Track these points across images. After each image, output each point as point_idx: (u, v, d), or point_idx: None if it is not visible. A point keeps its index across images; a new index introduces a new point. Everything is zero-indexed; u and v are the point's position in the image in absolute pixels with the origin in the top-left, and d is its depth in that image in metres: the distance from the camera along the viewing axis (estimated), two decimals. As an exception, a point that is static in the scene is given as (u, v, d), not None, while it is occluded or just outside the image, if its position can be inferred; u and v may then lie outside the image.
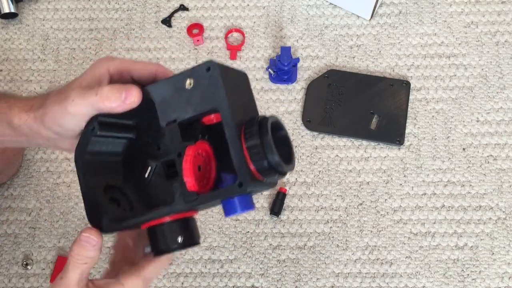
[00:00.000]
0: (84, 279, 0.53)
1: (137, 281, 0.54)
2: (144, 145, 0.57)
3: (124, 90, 0.52)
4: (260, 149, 0.49)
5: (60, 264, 0.98)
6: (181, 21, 1.15)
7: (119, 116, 0.54)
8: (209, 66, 0.50)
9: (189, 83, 0.51)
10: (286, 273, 0.97)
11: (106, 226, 0.54)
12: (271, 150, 0.49)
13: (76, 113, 0.53)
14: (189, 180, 0.50)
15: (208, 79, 0.50)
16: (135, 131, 0.58)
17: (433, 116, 1.05)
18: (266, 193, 1.01)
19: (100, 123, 0.54)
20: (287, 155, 0.53)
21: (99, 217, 0.54)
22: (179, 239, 0.53)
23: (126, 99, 0.52)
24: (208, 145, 0.52)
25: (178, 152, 0.51)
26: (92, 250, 0.53)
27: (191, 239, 0.54)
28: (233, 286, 0.97)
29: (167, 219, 0.53)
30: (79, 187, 0.56)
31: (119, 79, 0.57)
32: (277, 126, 0.53)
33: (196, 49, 1.12)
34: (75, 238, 0.53)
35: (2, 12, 1.12)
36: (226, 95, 0.50)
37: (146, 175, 0.58)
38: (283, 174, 0.52)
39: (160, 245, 0.54)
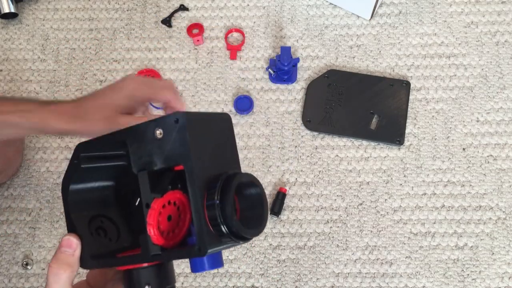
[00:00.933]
0: None
1: None
2: (135, 174, 0.55)
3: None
4: (218, 213, 0.46)
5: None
6: (181, 21, 1.15)
7: (106, 148, 0.54)
8: (177, 118, 0.48)
9: (159, 133, 0.49)
10: (286, 273, 0.97)
11: (84, 261, 0.53)
12: (229, 216, 0.46)
13: (100, 132, 0.59)
14: (152, 235, 0.48)
15: (176, 131, 0.48)
16: (127, 158, 0.55)
17: (433, 116, 1.05)
18: (266, 193, 1.01)
19: (84, 157, 0.54)
20: (258, 217, 0.50)
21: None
22: (147, 287, 0.51)
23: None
24: (181, 193, 0.50)
25: (146, 203, 0.50)
26: (70, 256, 0.52)
27: (163, 285, 0.53)
28: (233, 286, 0.97)
29: (140, 265, 0.52)
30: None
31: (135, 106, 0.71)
32: (250, 184, 0.50)
33: (196, 49, 1.12)
34: (56, 251, 0.53)
35: (2, 12, 1.12)
36: (191, 152, 0.47)
37: (136, 204, 0.56)
38: (245, 239, 0.48)
39: None
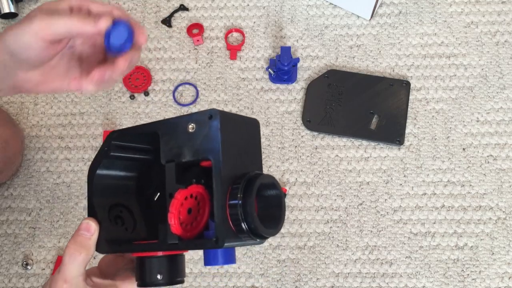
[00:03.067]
0: (82, 274, 0.53)
1: (131, 287, 0.55)
2: (159, 169, 0.58)
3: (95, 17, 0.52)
4: (240, 211, 0.48)
5: (60, 264, 0.98)
6: (181, 21, 1.15)
7: (136, 140, 0.56)
8: (211, 114, 0.50)
9: (191, 127, 0.51)
10: (286, 273, 0.97)
11: (100, 246, 0.55)
12: (250, 215, 0.48)
13: (41, 30, 0.53)
14: (172, 224, 0.50)
15: (209, 127, 0.50)
16: (153, 154, 0.58)
17: (433, 116, 1.05)
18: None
19: (115, 145, 0.56)
20: (275, 217, 0.52)
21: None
22: (159, 277, 0.53)
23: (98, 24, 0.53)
24: (203, 188, 0.52)
25: (170, 193, 0.52)
26: (88, 240, 0.53)
27: (173, 277, 0.54)
28: (233, 286, 0.97)
29: (154, 253, 0.53)
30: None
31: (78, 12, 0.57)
32: (270, 186, 0.52)
33: (196, 49, 1.12)
34: (74, 233, 0.54)
35: (2, 12, 1.12)
36: (221, 148, 0.49)
37: (155, 198, 0.58)
38: (263, 238, 0.50)
39: (143, 278, 0.54)
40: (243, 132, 0.53)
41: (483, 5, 1.13)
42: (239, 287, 0.97)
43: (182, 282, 0.55)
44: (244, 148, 0.52)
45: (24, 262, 0.99)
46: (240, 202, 0.48)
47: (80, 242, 0.53)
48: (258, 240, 0.50)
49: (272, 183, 0.52)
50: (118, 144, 0.56)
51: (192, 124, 0.51)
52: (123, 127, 0.57)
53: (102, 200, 0.56)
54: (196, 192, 0.52)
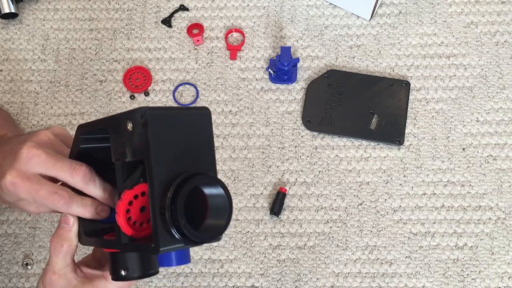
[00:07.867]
0: (70, 264, 0.56)
1: None
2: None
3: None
4: (169, 216, 0.46)
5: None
6: (181, 21, 1.15)
7: (102, 131, 0.55)
8: (142, 114, 0.47)
9: (130, 126, 0.49)
10: (286, 273, 0.97)
11: (81, 238, 0.57)
12: (177, 220, 0.45)
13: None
14: (120, 225, 0.50)
15: (141, 126, 0.47)
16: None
17: (433, 116, 1.06)
18: (266, 193, 1.01)
19: (83, 138, 0.56)
20: (219, 218, 0.48)
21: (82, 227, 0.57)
22: (123, 272, 0.53)
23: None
24: None
25: (119, 192, 0.50)
26: (68, 231, 0.56)
27: (144, 270, 0.53)
28: (233, 286, 0.97)
29: (117, 250, 0.53)
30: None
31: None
32: (209, 185, 0.48)
33: (196, 49, 1.12)
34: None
35: (2, 12, 1.12)
36: (151, 150, 0.46)
37: None
38: (197, 243, 0.48)
39: (111, 272, 0.55)
40: (187, 128, 0.49)
41: (483, 5, 1.13)
42: (239, 287, 0.97)
43: (153, 274, 0.54)
44: (190, 146, 0.49)
45: (24, 262, 0.99)
46: (168, 207, 0.45)
47: (61, 234, 0.55)
48: (192, 244, 0.48)
49: (212, 183, 0.48)
50: (86, 137, 0.56)
51: (130, 122, 0.49)
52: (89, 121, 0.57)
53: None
54: (142, 191, 0.50)
